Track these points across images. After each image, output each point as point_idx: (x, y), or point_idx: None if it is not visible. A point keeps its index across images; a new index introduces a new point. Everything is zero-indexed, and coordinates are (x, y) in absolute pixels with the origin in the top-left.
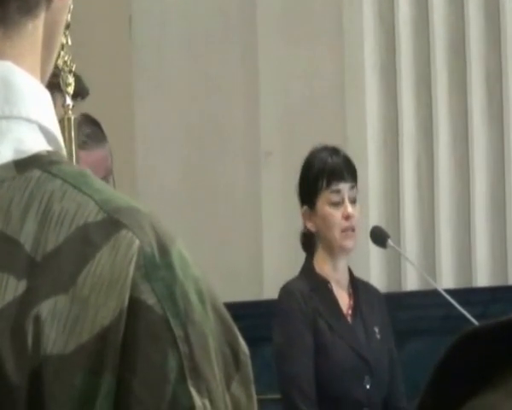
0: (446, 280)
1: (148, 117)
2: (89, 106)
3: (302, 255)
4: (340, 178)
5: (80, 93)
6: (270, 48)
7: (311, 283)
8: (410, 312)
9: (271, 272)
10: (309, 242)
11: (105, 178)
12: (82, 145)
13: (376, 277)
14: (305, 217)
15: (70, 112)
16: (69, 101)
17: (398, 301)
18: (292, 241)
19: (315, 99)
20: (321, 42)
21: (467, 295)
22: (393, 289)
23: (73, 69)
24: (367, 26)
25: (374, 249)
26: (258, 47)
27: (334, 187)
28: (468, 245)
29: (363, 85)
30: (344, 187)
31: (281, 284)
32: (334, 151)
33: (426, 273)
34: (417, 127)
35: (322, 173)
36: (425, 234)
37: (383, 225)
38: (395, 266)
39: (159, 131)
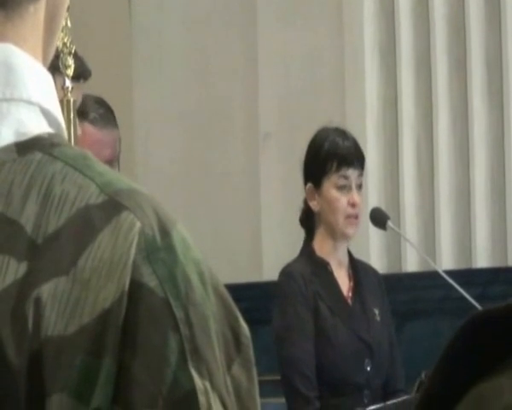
0: (446, 261)
1: (148, 100)
2: (88, 90)
3: (301, 236)
4: (350, 164)
5: (82, 75)
6: (269, 30)
7: (311, 265)
8: (410, 293)
9: (271, 253)
10: (309, 220)
11: (110, 162)
12: (93, 121)
13: (376, 258)
14: (309, 195)
15: (69, 94)
16: (68, 83)
17: (398, 283)
18: (291, 222)
19: (314, 81)
20: (321, 23)
21: (467, 276)
22: (393, 270)
23: (73, 51)
24: (367, 7)
25: (374, 231)
26: (258, 29)
27: (343, 172)
28: (468, 226)
29: (363, 67)
30: (353, 173)
31: (280, 265)
32: (345, 135)
33: (426, 254)
34: (417, 109)
35: (333, 156)
36: (425, 215)
37: (383, 206)
38: (395, 247)
39: (158, 114)
